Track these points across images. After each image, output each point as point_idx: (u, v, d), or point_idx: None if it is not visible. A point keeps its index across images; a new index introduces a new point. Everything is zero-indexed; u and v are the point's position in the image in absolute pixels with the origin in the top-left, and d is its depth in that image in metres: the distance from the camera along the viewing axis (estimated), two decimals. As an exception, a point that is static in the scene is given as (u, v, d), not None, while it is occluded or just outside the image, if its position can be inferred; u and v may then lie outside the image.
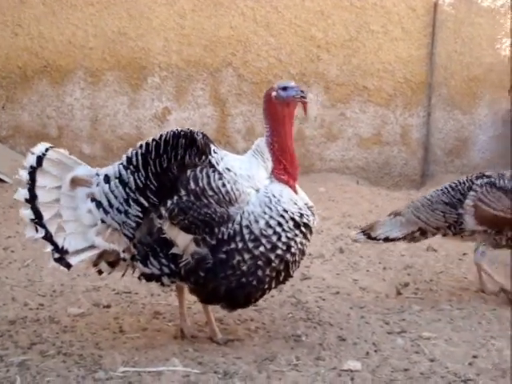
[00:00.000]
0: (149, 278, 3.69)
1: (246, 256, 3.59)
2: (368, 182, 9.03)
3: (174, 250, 3.61)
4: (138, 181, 3.61)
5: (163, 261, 3.62)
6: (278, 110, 3.79)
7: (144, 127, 8.77)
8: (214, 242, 3.59)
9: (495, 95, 9.25)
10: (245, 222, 3.60)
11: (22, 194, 3.65)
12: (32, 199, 3.64)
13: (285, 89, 3.79)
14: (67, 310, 4.26)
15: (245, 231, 3.59)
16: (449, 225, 4.74)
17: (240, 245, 3.58)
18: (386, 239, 4.82)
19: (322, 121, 9.17)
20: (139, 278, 3.74)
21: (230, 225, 3.59)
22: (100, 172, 3.71)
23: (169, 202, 3.59)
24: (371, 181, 9.13)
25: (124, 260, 3.68)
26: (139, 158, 3.63)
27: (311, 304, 4.49)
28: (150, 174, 3.61)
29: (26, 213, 3.64)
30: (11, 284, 4.71)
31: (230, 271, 3.61)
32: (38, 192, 3.66)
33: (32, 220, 3.63)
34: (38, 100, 8.80)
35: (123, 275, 3.82)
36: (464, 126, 9.35)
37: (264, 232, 3.60)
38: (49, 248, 3.64)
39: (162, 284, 3.72)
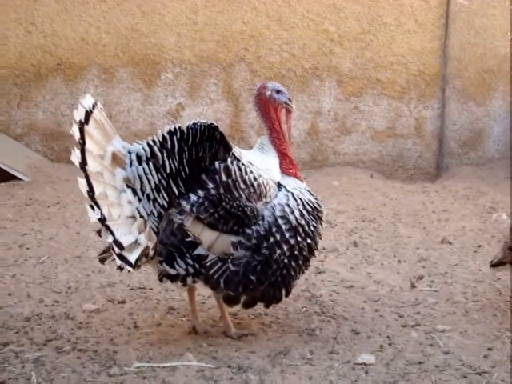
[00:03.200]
0: (174, 278, 3.61)
1: (285, 247, 3.65)
2: (382, 176, 8.99)
3: (198, 251, 3.57)
4: (172, 165, 3.52)
5: (189, 261, 3.57)
6: (270, 109, 3.93)
7: (158, 123, 8.75)
8: (254, 242, 3.60)
9: (509, 86, 9.17)
10: (279, 213, 3.66)
11: (77, 155, 3.37)
12: (83, 164, 3.37)
13: (278, 92, 3.95)
14: (82, 307, 4.28)
15: (280, 221, 3.65)
16: None
17: (278, 236, 3.63)
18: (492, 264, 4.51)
19: (336, 114, 9.14)
20: (161, 279, 3.65)
21: (260, 220, 3.62)
22: (131, 149, 3.54)
23: (193, 197, 3.54)
24: (385, 174, 9.09)
25: (146, 256, 3.54)
26: (175, 142, 3.55)
27: (325, 298, 4.50)
28: (184, 161, 3.54)
29: (83, 183, 3.37)
30: (26, 281, 4.74)
31: (275, 265, 3.65)
32: (88, 157, 3.37)
33: (88, 193, 3.37)
34: (52, 98, 8.81)
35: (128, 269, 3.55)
36: (478, 118, 9.28)
37: (300, 221, 3.69)
38: (110, 238, 3.39)
39: (185, 284, 3.67)
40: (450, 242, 5.86)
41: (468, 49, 9.09)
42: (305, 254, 3.75)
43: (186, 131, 3.57)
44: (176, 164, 3.54)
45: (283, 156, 3.92)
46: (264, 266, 3.61)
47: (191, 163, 3.56)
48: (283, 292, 3.76)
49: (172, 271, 3.58)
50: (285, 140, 3.94)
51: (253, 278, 3.60)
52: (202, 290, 4.16)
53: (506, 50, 9.09)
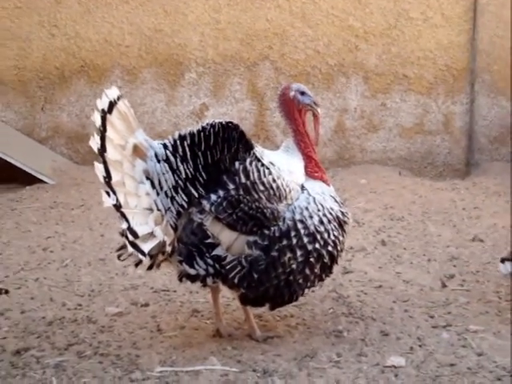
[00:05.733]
0: (194, 278, 3.55)
1: (299, 252, 3.53)
2: (411, 173, 8.84)
3: (217, 251, 3.49)
4: (187, 171, 3.46)
5: (209, 261, 3.50)
6: (294, 111, 3.81)
7: (182, 124, 8.69)
8: (266, 243, 3.50)
9: (541, 79, 8.97)
10: (298, 217, 3.55)
11: (96, 140, 3.36)
12: (102, 150, 3.35)
13: (302, 93, 3.82)
14: (105, 310, 4.23)
15: (299, 226, 3.54)
16: None
17: (294, 240, 3.52)
18: None
19: (363, 112, 9.01)
20: (180, 279, 3.59)
21: (280, 222, 3.52)
22: (153, 145, 3.49)
23: (213, 197, 3.47)
24: (414, 171, 8.94)
25: (163, 253, 3.50)
26: (186, 149, 3.48)
27: (353, 298, 4.39)
28: (200, 167, 3.47)
29: (100, 168, 3.35)
30: (49, 284, 4.70)
31: (281, 269, 3.53)
32: (108, 145, 3.35)
33: (104, 178, 3.35)
34: (77, 100, 8.80)
35: (148, 268, 3.57)
36: (509, 113, 9.09)
37: (318, 228, 3.57)
38: (124, 225, 3.36)
39: (205, 285, 3.61)
40: (481, 239, 5.71)
41: (497, 42, 8.90)
42: (325, 260, 3.62)
43: (197, 135, 3.49)
44: (191, 170, 3.47)
45: (309, 159, 3.80)
46: (269, 266, 3.51)
47: (208, 167, 3.48)
48: (286, 299, 3.65)
49: (192, 271, 3.51)
50: (310, 142, 3.82)
51: (255, 275, 3.50)
52: (227, 292, 4.09)
53: (535, 43, 8.89)
